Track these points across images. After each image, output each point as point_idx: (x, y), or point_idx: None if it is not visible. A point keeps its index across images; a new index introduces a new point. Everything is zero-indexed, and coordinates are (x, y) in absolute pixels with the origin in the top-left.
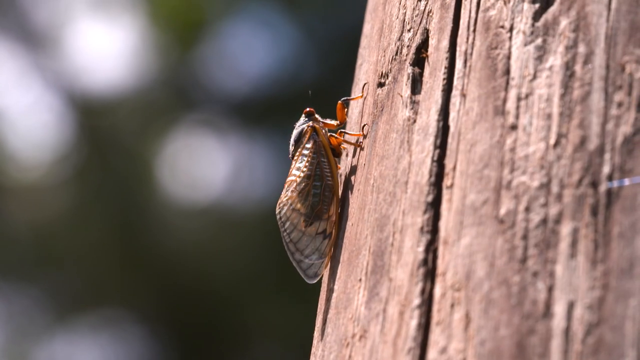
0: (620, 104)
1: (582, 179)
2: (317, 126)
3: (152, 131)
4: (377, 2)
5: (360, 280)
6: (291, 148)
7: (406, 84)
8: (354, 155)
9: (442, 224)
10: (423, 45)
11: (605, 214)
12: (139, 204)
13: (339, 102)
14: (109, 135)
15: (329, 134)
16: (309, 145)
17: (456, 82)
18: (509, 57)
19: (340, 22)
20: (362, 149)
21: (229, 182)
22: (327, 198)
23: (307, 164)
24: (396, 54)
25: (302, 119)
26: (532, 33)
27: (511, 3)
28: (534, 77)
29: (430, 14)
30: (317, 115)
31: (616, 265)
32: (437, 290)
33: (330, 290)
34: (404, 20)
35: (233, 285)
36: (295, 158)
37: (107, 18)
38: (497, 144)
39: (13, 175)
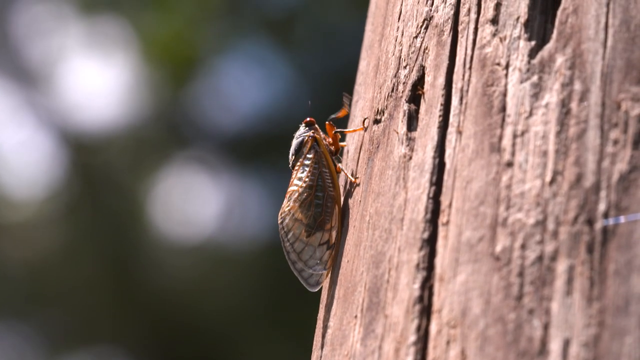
0: (616, 142)
1: (578, 217)
2: (317, 136)
3: (145, 168)
4: (373, 39)
5: (355, 317)
6: (291, 158)
7: (402, 121)
8: (351, 191)
9: (438, 261)
10: (419, 82)
11: (601, 251)
12: (131, 241)
13: (327, 122)
14: (102, 172)
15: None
16: (310, 156)
17: (452, 119)
18: (505, 94)
19: (333, 60)
20: (365, 130)
21: (222, 219)
22: (329, 209)
23: (309, 174)
24: (392, 90)
25: (302, 128)
26: (528, 70)
27: (507, 40)
28: (530, 114)
29: (426, 51)
30: (317, 126)
31: (612, 302)
32: (433, 327)
33: (325, 327)
34: (400, 57)
35: (225, 322)
36: (296, 168)
37: (100, 55)
38: (493, 181)
39: (5, 212)
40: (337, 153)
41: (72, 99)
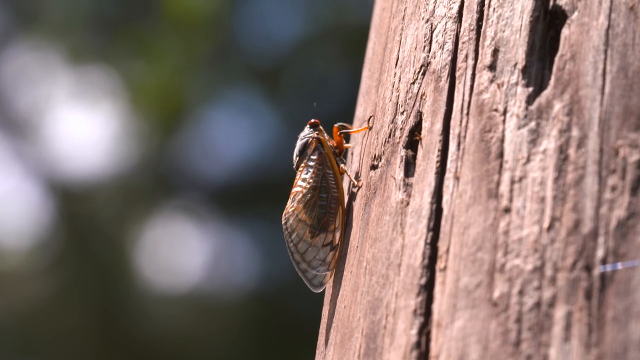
0: (614, 188)
1: (576, 263)
2: (322, 138)
3: (132, 217)
4: (370, 85)
5: None
6: (295, 159)
7: (399, 167)
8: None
9: (436, 307)
10: (416, 128)
11: (599, 297)
12: (119, 290)
13: (335, 126)
14: (89, 221)
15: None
16: (314, 157)
17: (449, 164)
18: (502, 140)
19: (321, 108)
20: (370, 128)
21: (209, 268)
22: (333, 210)
23: (313, 175)
24: (389, 136)
25: (307, 129)
26: (525, 116)
27: (505, 86)
28: (528, 160)
29: (424, 97)
30: (321, 127)
31: (610, 349)
32: None
33: None
34: (397, 103)
35: None
36: (300, 169)
37: (88, 104)
38: (491, 227)
39: None
40: (342, 154)
41: (60, 148)
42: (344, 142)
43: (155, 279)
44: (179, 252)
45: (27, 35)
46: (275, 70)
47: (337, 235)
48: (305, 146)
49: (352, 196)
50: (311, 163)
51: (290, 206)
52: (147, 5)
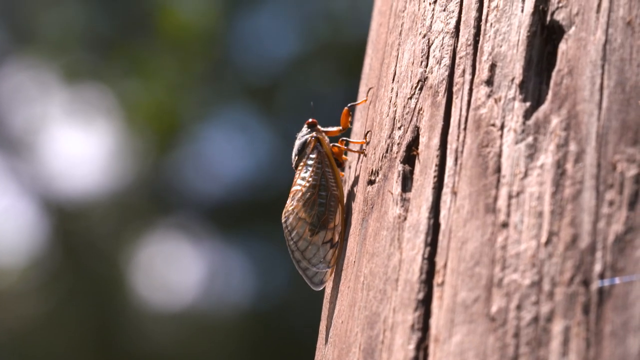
0: (611, 203)
1: (574, 277)
2: (320, 137)
3: (127, 235)
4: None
5: None
6: (294, 158)
7: (397, 182)
8: (358, 161)
9: (433, 322)
10: (414, 143)
11: (597, 312)
12: (114, 308)
13: (346, 107)
14: (84, 239)
15: (331, 144)
16: (313, 156)
17: (447, 179)
18: (500, 155)
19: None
20: (365, 155)
21: (204, 286)
22: (332, 207)
23: (312, 174)
24: (386, 151)
25: (305, 129)
26: (523, 131)
27: (502, 101)
28: (525, 175)
29: (421, 112)
30: (319, 126)
31: None
32: None
33: None
34: (395, 118)
35: None
36: (300, 168)
37: (83, 123)
38: (488, 242)
39: None
40: (342, 164)
41: (55, 166)
42: (344, 152)
43: (151, 297)
44: (174, 270)
45: (23, 54)
46: (270, 87)
47: (337, 232)
48: (304, 145)
49: (351, 195)
50: (310, 162)
51: (290, 205)
52: (141, 24)
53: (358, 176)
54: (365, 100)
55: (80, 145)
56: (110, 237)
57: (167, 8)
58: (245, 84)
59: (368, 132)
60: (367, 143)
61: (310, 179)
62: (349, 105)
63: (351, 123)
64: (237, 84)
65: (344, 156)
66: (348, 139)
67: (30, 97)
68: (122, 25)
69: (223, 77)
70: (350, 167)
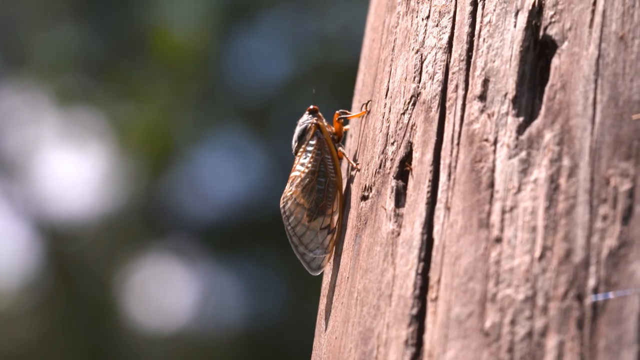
0: (605, 217)
1: (568, 292)
2: (320, 123)
3: (120, 258)
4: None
5: None
6: (294, 144)
7: (390, 197)
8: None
9: (427, 337)
10: (407, 159)
11: (591, 327)
12: (107, 331)
13: (336, 112)
14: (77, 262)
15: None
16: (312, 142)
17: (440, 195)
18: (493, 170)
19: None
20: (358, 170)
21: (197, 308)
22: (331, 194)
23: (311, 160)
24: (380, 167)
25: (306, 115)
26: (516, 146)
27: (495, 116)
28: (519, 190)
29: (414, 127)
30: (320, 114)
31: None
32: None
33: None
34: (388, 134)
35: None
36: (299, 154)
37: (76, 145)
38: (482, 257)
39: None
40: (340, 140)
41: (48, 189)
42: (343, 127)
43: (144, 320)
44: (168, 293)
45: (16, 77)
46: (264, 109)
47: (335, 218)
48: (304, 131)
49: (351, 179)
50: (310, 148)
51: (289, 190)
52: (135, 46)
53: (356, 154)
54: (364, 112)
55: (74, 168)
56: (104, 260)
57: (160, 30)
58: (238, 105)
59: (369, 101)
60: (368, 112)
61: (309, 165)
62: (339, 111)
63: (345, 123)
64: (230, 106)
65: (344, 127)
66: (346, 116)
67: (23, 120)
68: (115, 48)
69: (216, 99)
70: (351, 135)
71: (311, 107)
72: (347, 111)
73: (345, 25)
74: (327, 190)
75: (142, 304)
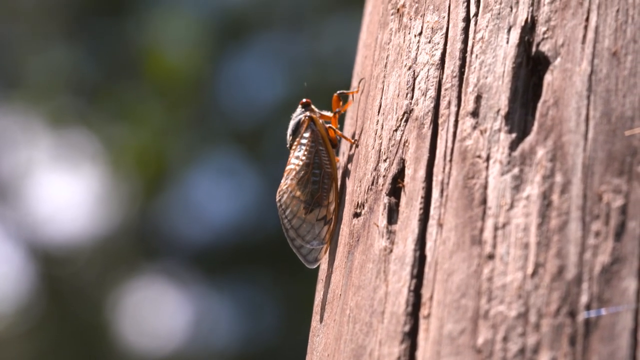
0: (597, 234)
1: (560, 309)
2: (314, 116)
3: (113, 281)
4: (353, 133)
5: None
6: (289, 138)
7: (382, 214)
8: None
9: (420, 354)
10: (399, 175)
11: (583, 343)
12: (100, 354)
13: (335, 94)
14: (70, 284)
15: (326, 125)
16: (307, 135)
17: (433, 211)
18: (485, 187)
19: None
20: (357, 145)
21: (191, 331)
22: (326, 185)
23: (305, 153)
24: (372, 184)
25: (299, 109)
26: (508, 163)
27: (488, 133)
28: (511, 206)
29: (406, 144)
30: (313, 106)
31: None
32: None
33: None
34: (380, 151)
35: None
36: (294, 148)
37: (69, 168)
38: (475, 274)
39: None
40: (336, 146)
41: (41, 212)
42: (337, 135)
43: (137, 342)
44: (161, 315)
45: (9, 99)
46: (257, 131)
47: (331, 209)
48: (298, 125)
49: (345, 172)
50: (304, 141)
51: (284, 183)
52: (128, 69)
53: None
54: (357, 91)
55: (67, 191)
56: (97, 282)
57: (153, 53)
58: (231, 128)
59: (362, 79)
60: (361, 92)
61: (303, 158)
62: (338, 92)
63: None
64: (223, 128)
65: (337, 132)
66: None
67: (16, 142)
68: (109, 70)
69: (209, 121)
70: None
71: (304, 100)
72: (346, 92)
73: (338, 47)
74: (322, 181)
75: (135, 326)
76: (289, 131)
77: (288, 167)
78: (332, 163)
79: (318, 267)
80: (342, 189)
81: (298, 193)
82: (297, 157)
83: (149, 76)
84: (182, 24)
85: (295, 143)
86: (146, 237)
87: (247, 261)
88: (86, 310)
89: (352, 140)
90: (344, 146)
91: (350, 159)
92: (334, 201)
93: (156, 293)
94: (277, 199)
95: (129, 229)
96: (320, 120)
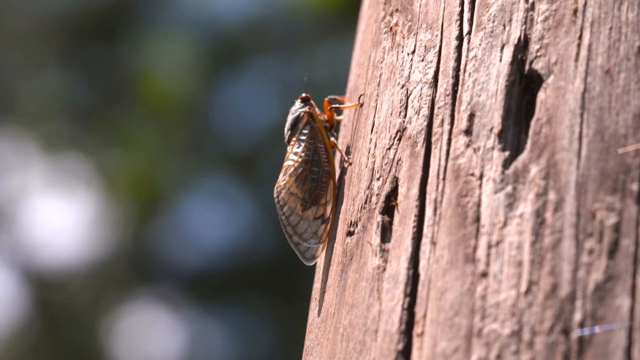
0: (591, 251)
1: (554, 327)
2: (313, 112)
3: (107, 305)
4: (347, 148)
5: None
6: (287, 133)
7: (376, 232)
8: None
9: None
10: (392, 194)
11: None
12: None
13: (326, 99)
14: (64, 309)
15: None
16: (305, 131)
17: (426, 230)
18: (479, 205)
19: None
20: (350, 164)
21: (185, 355)
22: (324, 183)
23: (304, 149)
24: (365, 202)
25: (298, 104)
26: (502, 181)
27: (481, 151)
28: (505, 224)
29: (400, 162)
30: (312, 102)
31: None
32: None
33: None
34: (373, 169)
35: None
36: (292, 143)
37: (63, 193)
38: (468, 292)
39: None
40: (332, 129)
41: (35, 236)
42: (335, 115)
43: None
44: (155, 340)
45: (2, 123)
46: (251, 156)
47: (329, 208)
48: (296, 120)
49: (343, 171)
50: (303, 137)
51: (282, 180)
52: (122, 93)
53: (349, 146)
54: (357, 104)
55: (61, 215)
56: (91, 307)
57: (147, 77)
58: (225, 152)
59: (361, 95)
60: (361, 105)
61: (302, 155)
62: (329, 97)
63: (338, 115)
64: (217, 152)
65: (336, 117)
66: (339, 105)
67: (10, 167)
68: (102, 94)
69: (204, 145)
70: (345, 125)
71: (303, 95)
72: (338, 97)
73: (333, 71)
74: (321, 179)
75: (129, 351)
76: (287, 125)
77: (286, 163)
78: (330, 161)
79: (314, 269)
80: (339, 189)
81: (296, 190)
82: (295, 154)
83: (143, 101)
84: (176, 48)
85: (294, 139)
86: (140, 262)
87: (241, 286)
88: (80, 335)
89: (347, 158)
90: (337, 159)
91: (343, 175)
92: (332, 200)
93: (150, 317)
94: (274, 195)
95: (123, 254)
96: (319, 116)
